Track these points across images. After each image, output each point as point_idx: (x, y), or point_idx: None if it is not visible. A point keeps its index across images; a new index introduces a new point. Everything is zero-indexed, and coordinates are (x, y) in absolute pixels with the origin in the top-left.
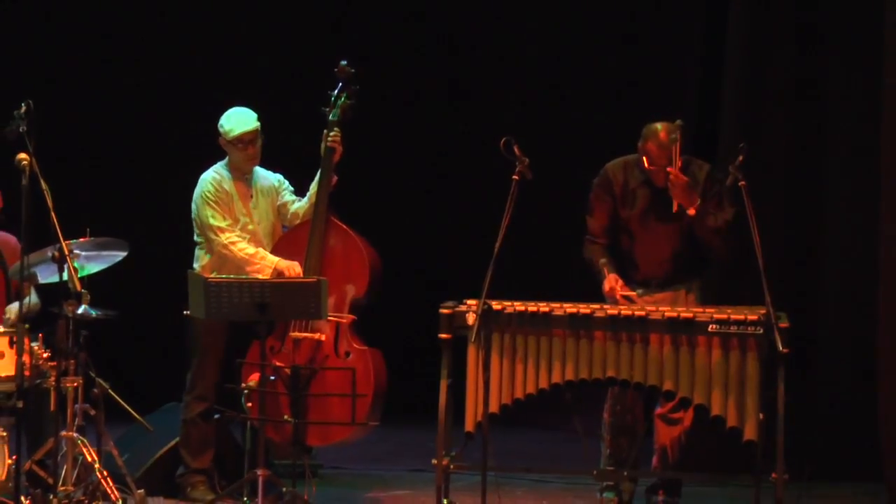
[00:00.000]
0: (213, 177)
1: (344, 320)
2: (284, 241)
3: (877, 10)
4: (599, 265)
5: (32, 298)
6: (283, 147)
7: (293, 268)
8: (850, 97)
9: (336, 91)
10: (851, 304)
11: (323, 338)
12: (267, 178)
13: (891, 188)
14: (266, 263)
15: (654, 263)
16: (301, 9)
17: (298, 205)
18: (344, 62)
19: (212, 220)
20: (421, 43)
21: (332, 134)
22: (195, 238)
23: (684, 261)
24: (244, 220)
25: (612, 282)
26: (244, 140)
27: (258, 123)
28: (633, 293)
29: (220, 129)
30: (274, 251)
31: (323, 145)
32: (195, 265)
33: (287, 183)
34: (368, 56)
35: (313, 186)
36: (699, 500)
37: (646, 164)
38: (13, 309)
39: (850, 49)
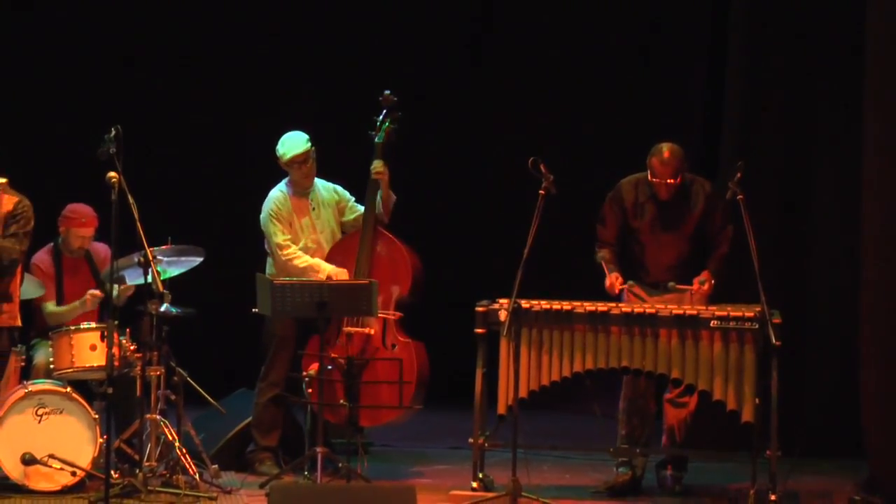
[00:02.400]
0: (277, 196)
1: (391, 317)
2: (337, 248)
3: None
4: (607, 265)
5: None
6: (337, 160)
7: (341, 273)
8: (837, 118)
9: (381, 117)
10: (836, 302)
11: (372, 332)
12: (326, 189)
13: (871, 198)
14: (321, 270)
15: (661, 268)
16: (358, 45)
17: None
18: (387, 91)
19: (275, 238)
20: (456, 73)
21: (374, 165)
22: (266, 248)
23: (688, 266)
24: (308, 229)
25: (612, 279)
26: (297, 161)
27: (308, 145)
28: (626, 286)
29: (277, 154)
30: (328, 256)
31: (372, 169)
32: (267, 271)
33: (347, 193)
34: (410, 81)
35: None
36: (703, 475)
37: (650, 178)
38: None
39: (839, 76)
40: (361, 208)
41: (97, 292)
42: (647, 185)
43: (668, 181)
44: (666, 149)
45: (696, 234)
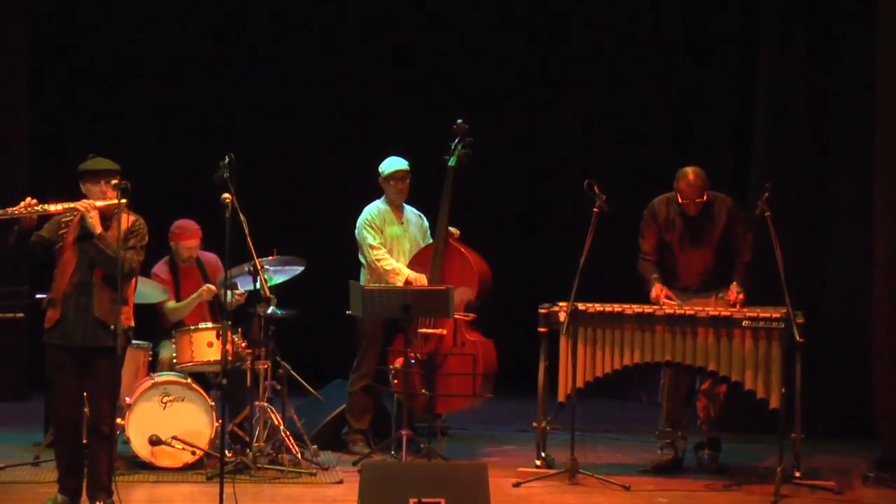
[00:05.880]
0: (373, 207)
1: (462, 318)
2: (416, 258)
3: (872, 76)
4: (650, 278)
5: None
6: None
7: (420, 279)
8: (853, 144)
9: (454, 143)
10: (853, 304)
11: (444, 332)
12: (414, 212)
13: (882, 212)
14: (401, 274)
15: (690, 275)
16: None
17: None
18: (460, 120)
19: (369, 240)
20: (520, 108)
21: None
22: (360, 259)
23: (714, 273)
24: (397, 239)
25: (657, 290)
26: (396, 177)
27: (408, 167)
28: (674, 298)
29: (380, 170)
30: (409, 265)
31: (444, 189)
32: (362, 280)
33: (427, 223)
34: (478, 114)
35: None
36: (735, 455)
37: (679, 200)
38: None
39: (853, 105)
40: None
41: (212, 287)
42: (676, 203)
43: (697, 200)
44: (690, 172)
45: (720, 245)
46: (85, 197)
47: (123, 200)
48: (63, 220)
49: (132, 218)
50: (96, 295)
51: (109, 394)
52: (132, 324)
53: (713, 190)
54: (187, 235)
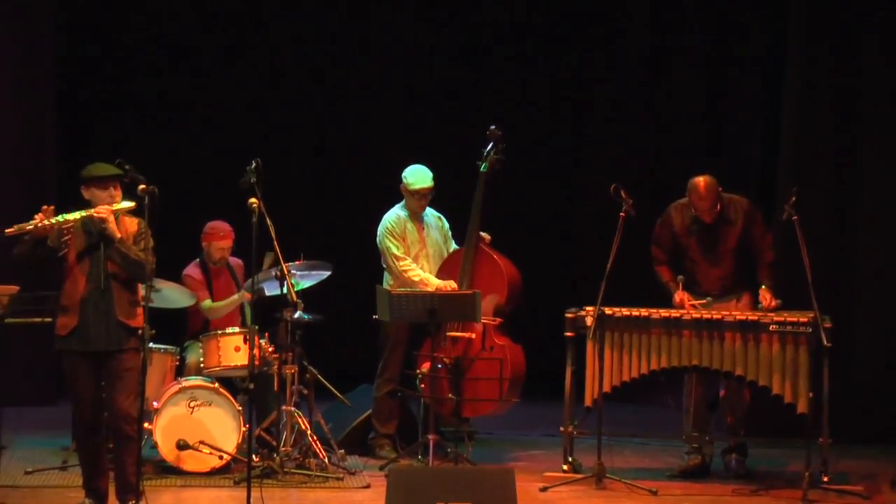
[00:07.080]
0: (393, 216)
1: (491, 322)
2: (446, 263)
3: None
4: (670, 284)
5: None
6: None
7: (449, 285)
8: (880, 144)
9: (487, 148)
10: (879, 309)
11: (473, 336)
12: (434, 216)
13: None
14: (429, 284)
15: (711, 280)
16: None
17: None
18: (493, 126)
19: (393, 250)
20: (549, 113)
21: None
22: (383, 264)
23: (734, 278)
24: (420, 245)
25: (681, 295)
26: (420, 193)
27: (433, 183)
28: (699, 302)
29: (404, 180)
30: (439, 270)
31: (476, 194)
32: (385, 284)
33: (447, 226)
34: (510, 120)
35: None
36: (762, 459)
37: (693, 211)
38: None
39: (881, 106)
40: (455, 246)
41: (248, 294)
42: (690, 209)
43: (709, 210)
44: (701, 184)
45: (739, 248)
46: (88, 202)
47: (132, 204)
48: (64, 226)
49: (136, 220)
50: (116, 297)
51: (132, 395)
52: (146, 325)
53: (731, 192)
54: (220, 236)
